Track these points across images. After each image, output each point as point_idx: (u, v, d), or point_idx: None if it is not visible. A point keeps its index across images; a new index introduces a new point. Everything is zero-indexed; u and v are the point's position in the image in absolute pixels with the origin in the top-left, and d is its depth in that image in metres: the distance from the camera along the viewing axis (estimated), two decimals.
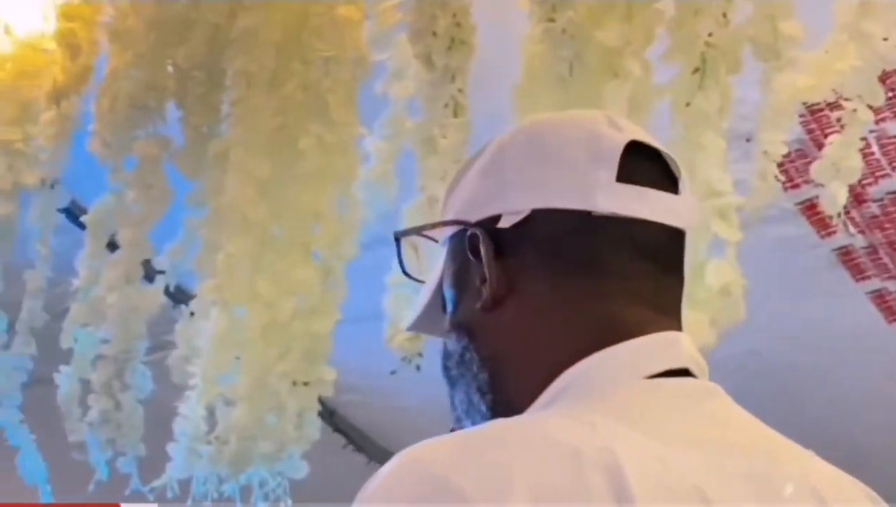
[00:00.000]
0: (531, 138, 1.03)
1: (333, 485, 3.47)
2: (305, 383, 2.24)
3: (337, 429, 3.74)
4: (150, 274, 2.57)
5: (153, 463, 2.49)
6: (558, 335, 0.97)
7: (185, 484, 2.43)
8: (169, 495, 2.40)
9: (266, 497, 2.38)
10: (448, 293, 1.06)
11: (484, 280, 1.00)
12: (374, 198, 2.35)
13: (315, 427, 2.30)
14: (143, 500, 2.50)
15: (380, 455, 3.91)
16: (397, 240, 1.13)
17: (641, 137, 1.02)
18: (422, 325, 1.14)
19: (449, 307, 1.05)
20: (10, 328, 2.71)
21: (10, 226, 2.62)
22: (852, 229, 2.74)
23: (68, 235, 2.76)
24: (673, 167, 1.03)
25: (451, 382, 1.04)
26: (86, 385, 2.58)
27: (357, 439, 3.84)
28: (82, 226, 2.59)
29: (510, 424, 0.90)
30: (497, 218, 1.01)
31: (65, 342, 2.56)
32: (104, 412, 2.50)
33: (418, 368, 2.18)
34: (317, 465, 2.46)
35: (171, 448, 2.36)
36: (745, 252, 1.91)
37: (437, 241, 1.10)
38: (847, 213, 2.62)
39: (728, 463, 0.91)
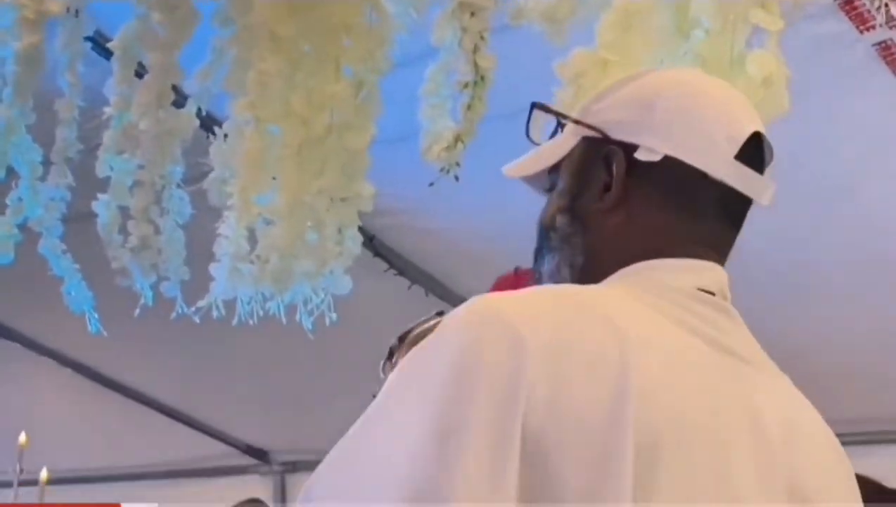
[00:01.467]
0: (685, 97, 1.28)
1: (377, 308, 3.50)
2: (343, 199, 2.23)
3: (377, 253, 3.74)
4: (179, 101, 2.54)
5: (197, 286, 2.51)
6: (638, 248, 1.23)
7: (230, 305, 2.45)
8: (214, 315, 2.42)
9: (311, 315, 2.40)
10: (568, 182, 1.30)
11: (608, 189, 1.25)
12: (403, 9, 2.30)
13: (356, 243, 2.30)
14: (190, 322, 2.53)
15: (421, 279, 3.93)
16: (532, 108, 1.37)
17: (759, 126, 1.27)
18: (518, 173, 1.37)
19: (566, 194, 1.30)
20: (46, 160, 2.70)
21: (38, 55, 2.58)
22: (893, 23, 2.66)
23: (96, 66, 2.73)
24: (768, 154, 1.29)
25: (549, 248, 1.30)
26: (125, 213, 2.59)
27: (398, 263, 3.84)
28: (109, 55, 2.56)
29: (565, 292, 1.18)
30: (635, 147, 1.25)
31: (101, 171, 2.56)
32: (144, 238, 2.51)
33: (457, 178, 2.16)
34: (359, 289, 2.47)
35: (213, 269, 2.37)
36: (783, 51, 1.86)
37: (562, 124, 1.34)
38: (887, 6, 2.56)
39: (729, 363, 1.18)
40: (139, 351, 4.21)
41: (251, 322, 2.43)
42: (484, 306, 1.11)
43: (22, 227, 2.74)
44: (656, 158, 1.24)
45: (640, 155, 1.25)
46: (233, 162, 2.32)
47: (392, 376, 1.12)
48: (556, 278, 1.28)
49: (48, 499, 4.12)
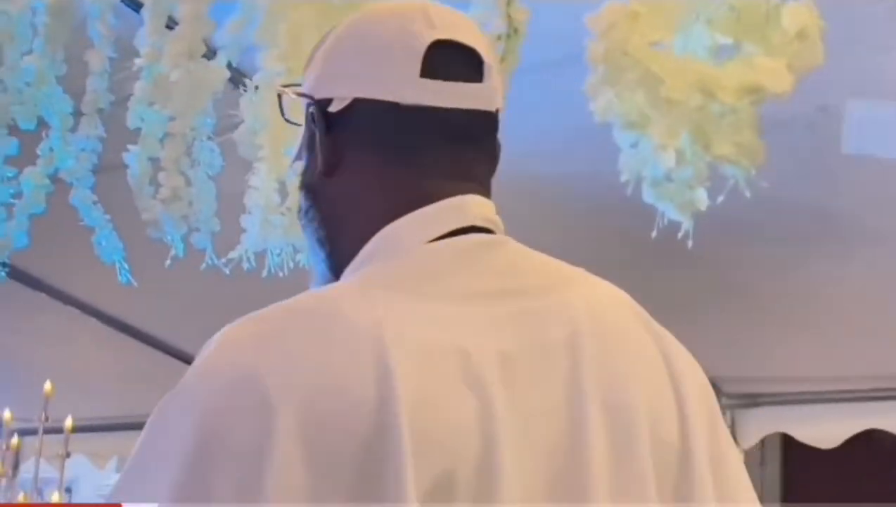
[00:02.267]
0: (356, 31, 1.18)
1: None
2: None
3: None
4: (210, 53, 2.55)
5: (228, 238, 2.53)
6: (372, 206, 1.14)
7: (260, 257, 2.47)
8: (245, 266, 2.44)
9: None
10: (303, 156, 1.23)
11: (320, 151, 1.17)
12: None
13: None
14: (220, 274, 2.55)
15: None
16: (280, 90, 1.30)
17: (451, 32, 1.16)
18: (295, 162, 1.29)
19: (302, 171, 1.23)
20: (76, 111, 2.72)
21: (69, 7, 2.60)
22: None
23: (127, 18, 2.73)
24: (482, 58, 1.17)
25: (303, 230, 1.22)
26: (156, 164, 2.60)
27: None
28: (139, 7, 2.57)
29: (308, 308, 1.07)
30: (331, 100, 1.16)
31: (132, 123, 2.57)
32: (175, 189, 2.52)
33: None
34: None
35: (244, 221, 2.39)
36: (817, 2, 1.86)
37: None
38: None
39: (497, 309, 1.08)
40: (168, 302, 4.24)
41: (281, 274, 2.45)
42: (232, 356, 1.02)
43: (53, 177, 2.76)
44: (343, 104, 1.15)
45: (332, 108, 1.16)
46: (263, 114, 2.32)
47: (146, 427, 1.04)
48: (315, 260, 1.21)
49: (72, 447, 4.17)
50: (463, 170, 1.16)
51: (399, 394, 0.97)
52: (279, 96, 1.30)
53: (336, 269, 1.17)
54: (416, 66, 1.14)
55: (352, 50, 1.17)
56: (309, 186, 1.21)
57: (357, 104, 1.15)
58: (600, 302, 1.16)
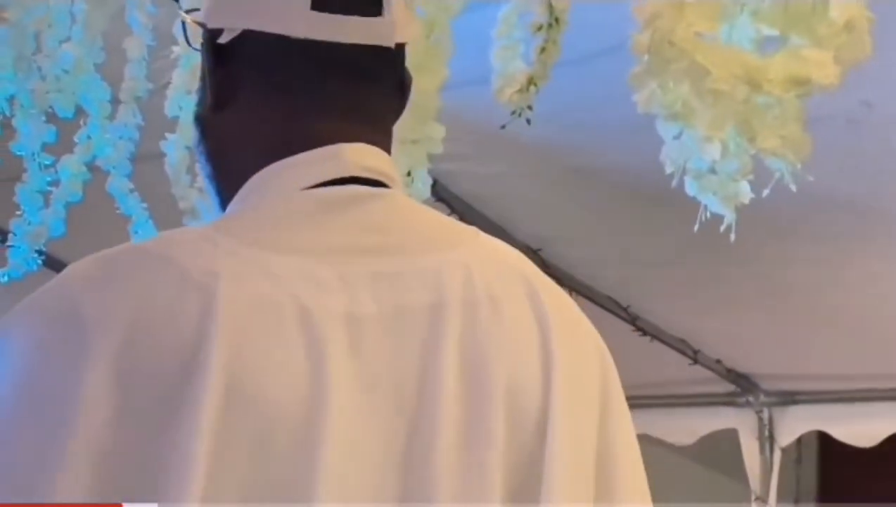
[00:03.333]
0: None
1: None
2: (414, 141, 2.22)
3: (440, 198, 3.73)
4: None
5: None
6: (255, 145, 1.10)
7: None
8: None
9: None
10: (198, 87, 1.19)
11: (208, 84, 1.14)
12: None
13: (426, 184, 2.28)
14: None
15: (480, 223, 3.91)
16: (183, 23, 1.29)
17: None
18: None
19: (195, 98, 1.21)
20: (114, 100, 2.71)
21: None
22: None
23: (165, 5, 2.73)
24: None
25: (200, 165, 1.20)
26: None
27: (460, 207, 3.84)
28: None
29: (145, 250, 1.04)
30: (221, 31, 1.11)
31: (170, 111, 2.56)
32: None
33: (528, 122, 2.15)
34: None
35: None
36: None
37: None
38: None
39: (354, 267, 1.02)
40: None
41: None
42: (60, 287, 1.01)
43: (90, 166, 2.76)
44: (233, 35, 1.10)
45: (221, 39, 1.11)
46: None
47: None
48: (210, 191, 1.18)
49: None
50: (355, 110, 1.11)
51: (214, 342, 0.94)
52: (183, 23, 1.28)
53: (223, 205, 1.14)
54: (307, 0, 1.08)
55: None
56: (200, 119, 1.17)
57: (247, 36, 1.10)
58: (481, 268, 1.07)
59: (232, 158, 1.13)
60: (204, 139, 1.17)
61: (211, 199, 1.18)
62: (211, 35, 1.13)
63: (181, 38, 1.23)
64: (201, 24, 1.14)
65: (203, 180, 1.22)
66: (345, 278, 1.02)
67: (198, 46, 1.19)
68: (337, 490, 0.94)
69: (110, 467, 0.92)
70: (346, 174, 1.07)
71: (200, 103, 1.17)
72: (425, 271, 1.05)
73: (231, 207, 1.11)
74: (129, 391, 0.94)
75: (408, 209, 1.11)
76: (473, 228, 1.14)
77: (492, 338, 1.04)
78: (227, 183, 1.13)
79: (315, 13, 1.08)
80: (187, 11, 1.23)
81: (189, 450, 0.92)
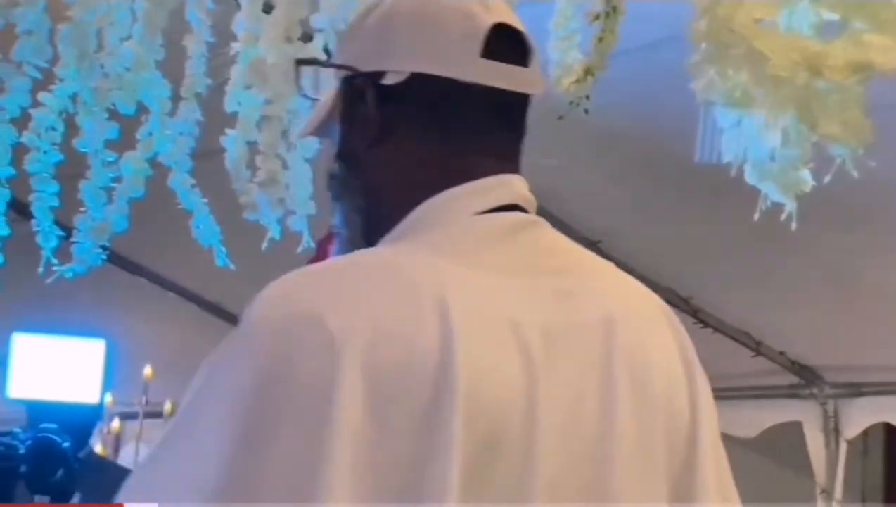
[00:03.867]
0: (410, 8, 1.20)
1: None
2: None
3: None
4: (306, 36, 2.55)
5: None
6: (417, 177, 1.16)
7: None
8: None
9: None
10: (339, 127, 1.23)
11: (366, 122, 1.18)
12: None
13: None
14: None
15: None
16: (298, 64, 1.32)
17: (506, 17, 1.19)
18: (306, 133, 1.37)
19: (337, 139, 1.23)
20: (175, 96, 2.74)
21: None
22: None
23: (224, 2, 2.75)
24: (529, 44, 1.21)
25: (335, 198, 1.24)
26: (253, 148, 2.61)
27: None
28: None
29: (369, 262, 1.10)
30: (383, 73, 1.18)
31: (229, 106, 2.59)
32: (272, 172, 2.53)
33: (586, 111, 2.14)
34: None
35: None
36: None
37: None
38: None
39: (540, 284, 1.12)
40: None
41: None
42: (291, 301, 1.04)
43: (152, 162, 2.79)
44: (402, 78, 1.17)
45: (387, 80, 1.17)
46: None
47: (195, 381, 1.07)
48: (350, 227, 1.22)
49: None
50: (505, 150, 1.19)
51: (459, 359, 1.01)
52: (297, 68, 1.30)
53: (371, 237, 1.18)
54: (478, 47, 1.16)
55: (408, 26, 1.19)
56: (348, 156, 1.21)
57: (417, 79, 1.17)
58: (628, 291, 1.21)
59: (391, 189, 1.18)
60: (355, 175, 1.20)
61: (352, 231, 1.21)
62: (370, 77, 1.18)
63: (305, 85, 1.25)
64: (349, 68, 1.20)
65: (344, 213, 1.22)
66: (535, 294, 1.11)
67: (314, 95, 1.28)
68: (550, 489, 1.05)
69: (370, 471, 0.99)
70: (511, 202, 1.16)
71: (344, 142, 1.22)
72: (592, 290, 1.17)
73: (399, 232, 1.15)
74: (379, 398, 1.00)
75: (558, 236, 1.20)
76: (599, 257, 1.24)
77: (649, 352, 1.16)
78: (383, 213, 1.18)
79: (484, 61, 1.16)
80: (303, 62, 1.31)
81: (448, 456, 0.99)
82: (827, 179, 1.95)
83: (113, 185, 2.79)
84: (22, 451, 2.98)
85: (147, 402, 4.07)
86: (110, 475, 3.34)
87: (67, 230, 2.87)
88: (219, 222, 2.86)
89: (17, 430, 3.03)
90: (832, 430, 4.59)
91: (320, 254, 1.31)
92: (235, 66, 2.55)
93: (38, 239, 2.87)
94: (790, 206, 2.00)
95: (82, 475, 3.13)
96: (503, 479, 1.03)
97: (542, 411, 1.06)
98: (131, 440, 4.52)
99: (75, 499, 3.07)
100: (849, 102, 1.87)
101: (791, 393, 4.68)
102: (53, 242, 2.86)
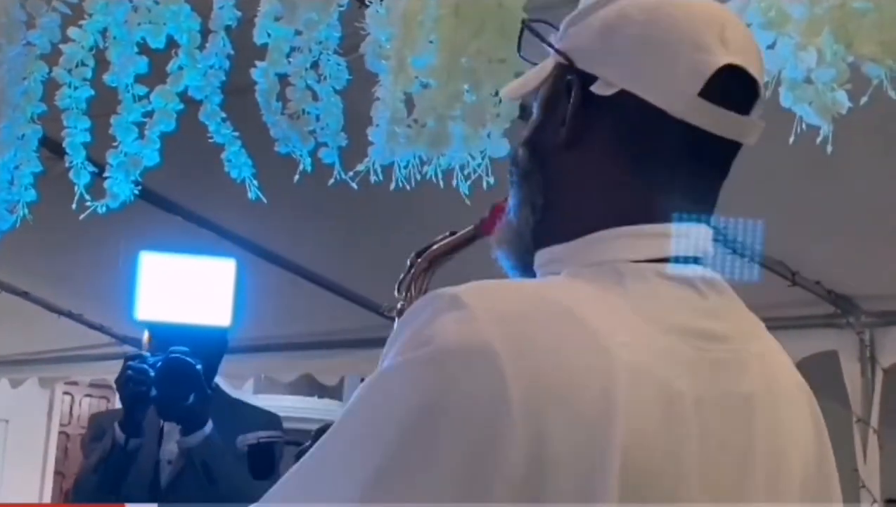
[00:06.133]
0: (649, 24, 1.12)
1: None
2: (501, 60, 2.20)
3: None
4: None
5: (355, 152, 2.53)
6: (601, 196, 1.12)
7: (387, 171, 2.46)
8: (372, 179, 2.43)
9: (467, 179, 2.38)
10: (536, 110, 1.19)
11: (564, 122, 1.13)
12: None
13: (513, 105, 2.27)
14: (348, 190, 2.55)
15: None
16: (523, 25, 1.25)
17: (740, 58, 1.11)
18: (509, 93, 1.32)
19: (531, 125, 1.19)
20: (204, 30, 2.73)
21: None
22: None
23: None
24: (758, 90, 1.14)
25: (514, 183, 1.20)
26: (283, 80, 2.60)
27: None
28: None
29: (554, 306, 1.05)
30: (595, 78, 1.12)
31: (258, 38, 2.57)
32: (302, 104, 2.52)
33: None
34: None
35: (371, 133, 2.37)
36: None
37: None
38: None
39: (705, 352, 1.09)
40: (298, 220, 4.27)
41: (409, 188, 2.44)
42: (464, 330, 1.00)
43: (183, 97, 2.79)
44: (611, 91, 1.12)
45: (596, 88, 1.12)
46: (389, 25, 2.30)
47: (349, 406, 1.04)
48: (520, 218, 1.18)
49: None
50: (699, 195, 1.15)
51: (619, 417, 0.99)
52: (522, 29, 1.25)
53: (539, 237, 1.16)
54: (699, 84, 1.10)
55: (636, 39, 1.12)
56: (540, 149, 1.17)
57: (625, 96, 1.11)
58: (772, 362, 1.18)
59: (571, 196, 1.15)
60: (542, 171, 1.17)
61: (524, 224, 1.18)
62: (582, 77, 1.14)
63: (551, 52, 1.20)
64: (567, 58, 1.15)
65: (518, 202, 1.19)
66: (699, 360, 1.09)
67: (531, 57, 1.23)
68: None
69: None
70: (694, 254, 1.13)
71: (539, 131, 1.18)
72: (746, 361, 1.14)
73: (561, 252, 1.14)
74: (541, 440, 0.98)
75: (731, 296, 1.17)
76: (761, 322, 1.21)
77: (787, 430, 1.15)
78: (555, 221, 1.15)
79: (700, 100, 1.10)
80: (533, 21, 1.24)
81: None
82: (863, 100, 1.92)
83: (144, 120, 2.79)
84: (152, 374, 2.90)
85: None
86: (240, 413, 3.27)
87: (100, 167, 2.87)
88: (251, 157, 2.85)
89: (146, 354, 2.99)
90: (868, 359, 4.55)
91: (489, 223, 1.29)
92: None
93: (71, 175, 2.87)
94: (826, 129, 1.98)
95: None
96: None
97: (690, 482, 1.05)
98: None
99: (207, 428, 3.02)
100: (886, 21, 1.84)
101: (827, 323, 4.64)
102: (86, 179, 2.86)
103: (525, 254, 1.18)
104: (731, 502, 1.08)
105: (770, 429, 1.12)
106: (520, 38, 1.26)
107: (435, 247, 1.41)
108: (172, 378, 2.88)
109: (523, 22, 1.26)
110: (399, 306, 1.45)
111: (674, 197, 1.12)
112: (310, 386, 9.47)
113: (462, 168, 2.39)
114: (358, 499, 0.96)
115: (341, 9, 2.49)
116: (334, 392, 9.39)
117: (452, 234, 1.42)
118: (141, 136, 2.79)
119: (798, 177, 3.15)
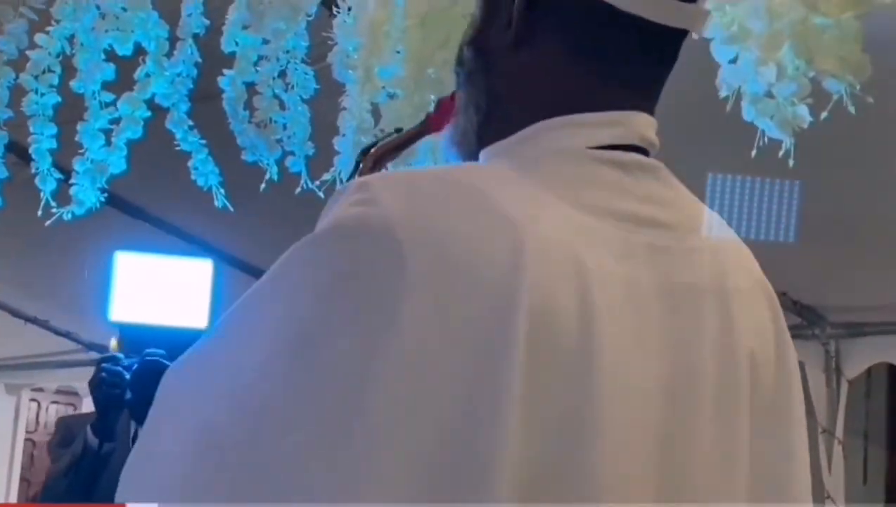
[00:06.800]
0: None
1: None
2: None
3: None
4: None
5: (322, 161, 2.53)
6: (544, 94, 1.10)
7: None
8: (338, 188, 2.43)
9: None
10: (479, 14, 1.16)
11: (510, 24, 1.11)
12: None
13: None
14: (315, 198, 2.55)
15: None
16: None
17: None
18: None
19: (474, 24, 1.16)
20: (172, 37, 2.73)
21: None
22: None
23: None
24: None
25: (459, 84, 1.18)
26: (251, 89, 2.61)
27: None
28: None
29: (458, 183, 1.03)
30: None
31: (226, 46, 2.58)
32: (270, 113, 2.53)
33: None
34: None
35: (337, 143, 2.38)
36: None
37: None
38: None
39: (636, 236, 1.06)
40: (263, 228, 4.27)
41: None
42: (369, 213, 0.99)
43: (151, 104, 2.79)
44: None
45: None
46: (357, 35, 2.30)
47: (265, 276, 1.04)
48: (465, 118, 1.15)
49: None
50: (644, 85, 1.13)
51: (525, 283, 0.97)
52: None
53: (483, 136, 1.13)
54: None
55: None
56: (484, 50, 1.14)
57: None
58: (725, 256, 1.13)
59: (514, 99, 1.12)
60: (485, 73, 1.14)
61: (467, 123, 1.15)
62: None
63: None
64: None
65: (463, 104, 1.16)
66: (628, 244, 1.05)
67: None
68: (611, 428, 1.00)
69: (428, 390, 0.95)
70: (631, 142, 1.10)
71: (484, 33, 1.15)
72: (690, 251, 1.10)
73: (509, 144, 1.10)
74: (447, 319, 0.96)
75: (674, 186, 1.13)
76: (717, 216, 1.17)
77: (739, 323, 1.10)
78: (499, 120, 1.12)
79: None
80: None
81: (511, 384, 0.96)
82: (824, 115, 1.94)
83: (111, 127, 2.78)
84: (128, 377, 2.80)
85: None
86: None
87: (66, 173, 2.87)
88: (218, 165, 2.85)
89: (119, 355, 2.88)
90: (833, 370, 4.59)
91: (437, 119, 1.26)
92: (232, 6, 2.53)
93: (37, 182, 2.87)
94: (788, 142, 2.00)
95: None
96: (562, 407, 0.99)
97: (605, 350, 1.01)
98: None
99: None
100: (846, 37, 1.86)
101: (793, 334, 4.62)
102: (52, 185, 2.86)
103: (473, 154, 1.15)
104: (663, 402, 1.04)
105: (720, 328, 1.09)
106: None
107: (381, 144, 1.37)
108: (149, 381, 2.83)
109: None
110: None
111: (619, 86, 1.10)
112: None
113: None
114: (280, 361, 0.97)
115: (309, 18, 2.50)
116: None
117: (399, 130, 1.39)
118: (108, 143, 2.78)
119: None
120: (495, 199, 1.01)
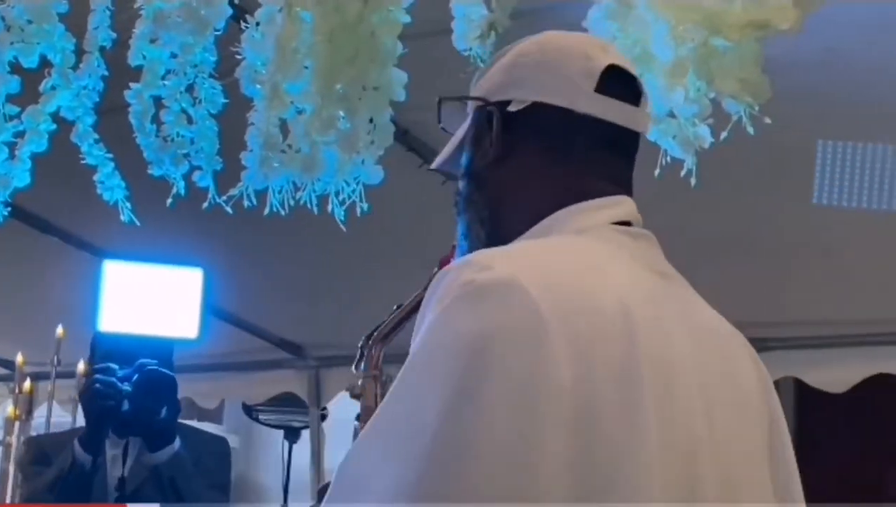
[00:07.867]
0: (543, 51, 1.40)
1: (411, 203, 3.49)
2: (375, 88, 2.22)
3: (411, 148, 3.71)
4: None
5: (230, 177, 2.52)
6: (538, 191, 1.35)
7: (263, 196, 2.45)
8: (246, 204, 2.43)
9: (342, 204, 2.39)
10: (467, 149, 1.42)
11: (492, 144, 1.38)
12: None
13: (388, 132, 2.28)
14: (223, 213, 2.54)
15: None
16: (439, 103, 1.49)
17: (620, 60, 1.41)
18: (444, 166, 1.51)
19: (465, 160, 1.42)
20: (78, 50, 2.70)
21: None
22: None
23: None
24: (641, 87, 1.41)
25: (460, 214, 1.42)
26: (158, 103, 2.59)
27: (432, 158, 3.81)
28: None
29: (559, 247, 1.31)
30: (509, 102, 1.38)
31: (133, 60, 2.55)
32: (177, 127, 2.51)
33: None
34: (393, 183, 2.47)
35: (245, 158, 2.37)
36: None
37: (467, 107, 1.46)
38: None
39: (658, 288, 1.31)
40: (173, 242, 4.22)
41: (282, 212, 2.43)
42: (497, 274, 1.20)
43: (56, 117, 2.75)
44: (524, 105, 1.36)
45: (512, 107, 1.37)
46: (265, 50, 2.30)
47: (410, 358, 1.20)
48: (472, 239, 1.40)
49: None
50: (616, 176, 1.38)
51: (639, 326, 1.22)
52: (439, 105, 1.48)
53: (494, 245, 1.33)
54: (593, 83, 1.35)
55: (536, 62, 1.38)
56: (474, 175, 1.39)
57: (535, 107, 1.36)
58: (704, 306, 1.40)
59: (514, 200, 1.37)
60: (481, 190, 1.39)
61: (474, 240, 1.38)
62: (499, 106, 1.38)
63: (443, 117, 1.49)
64: (482, 99, 1.40)
65: (467, 225, 1.41)
66: (655, 294, 1.30)
67: (450, 129, 1.46)
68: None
69: (584, 409, 1.16)
70: (628, 218, 1.36)
71: (471, 163, 1.40)
72: (693, 299, 1.38)
73: (537, 231, 1.33)
74: (581, 358, 1.18)
75: (660, 249, 1.38)
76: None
77: (740, 371, 1.37)
78: (506, 221, 1.37)
79: (597, 95, 1.35)
80: (445, 99, 1.49)
81: (647, 413, 1.20)
82: (723, 135, 1.98)
83: (15, 140, 2.74)
84: (127, 387, 2.73)
85: (59, 362, 3.99)
86: (183, 434, 3.01)
87: None
88: (124, 179, 2.82)
89: (113, 366, 2.79)
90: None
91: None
92: (140, 19, 2.51)
93: None
94: (689, 162, 2.04)
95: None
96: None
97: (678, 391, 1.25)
98: (44, 401, 4.45)
99: (176, 444, 2.82)
100: (746, 59, 1.90)
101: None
102: None
103: None
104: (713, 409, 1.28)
105: (729, 371, 1.34)
106: (438, 114, 1.48)
107: (383, 325, 1.57)
108: (149, 391, 2.75)
109: (439, 101, 1.48)
110: (360, 382, 1.59)
111: (598, 179, 1.35)
112: (189, 409, 9.33)
113: (337, 194, 2.39)
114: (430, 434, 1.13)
115: (217, 33, 2.49)
116: (214, 416, 9.27)
117: (398, 307, 1.57)
118: (12, 156, 2.74)
119: (663, 204, 3.21)
120: (586, 253, 1.27)
